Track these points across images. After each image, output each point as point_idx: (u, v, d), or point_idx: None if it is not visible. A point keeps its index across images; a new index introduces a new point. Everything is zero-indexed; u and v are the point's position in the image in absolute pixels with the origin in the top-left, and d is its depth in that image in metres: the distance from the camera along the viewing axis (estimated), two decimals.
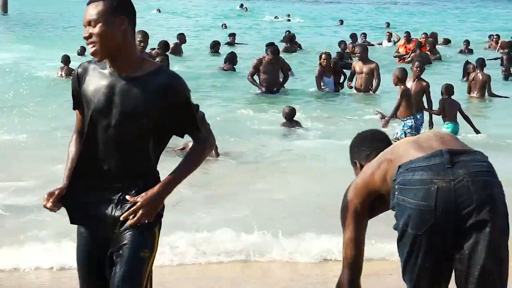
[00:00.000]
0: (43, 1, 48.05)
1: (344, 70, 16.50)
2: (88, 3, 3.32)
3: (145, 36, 10.18)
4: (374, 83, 15.72)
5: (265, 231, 6.55)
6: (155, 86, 3.30)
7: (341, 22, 39.62)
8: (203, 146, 3.44)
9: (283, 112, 12.24)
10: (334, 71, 16.02)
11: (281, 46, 22.13)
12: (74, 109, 3.53)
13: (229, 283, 5.91)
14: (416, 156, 3.47)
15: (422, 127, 11.33)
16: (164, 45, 14.91)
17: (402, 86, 10.96)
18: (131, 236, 3.30)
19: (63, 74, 16.52)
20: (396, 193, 3.46)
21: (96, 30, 3.28)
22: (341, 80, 16.17)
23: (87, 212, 3.40)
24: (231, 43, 26.17)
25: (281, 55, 16.65)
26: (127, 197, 3.32)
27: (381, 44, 27.74)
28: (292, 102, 13.80)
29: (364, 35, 27.62)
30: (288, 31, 27.79)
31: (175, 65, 16.82)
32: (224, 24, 35.29)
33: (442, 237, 3.40)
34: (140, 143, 3.34)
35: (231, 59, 18.90)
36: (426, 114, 11.94)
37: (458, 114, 12.06)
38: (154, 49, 14.52)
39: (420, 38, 24.18)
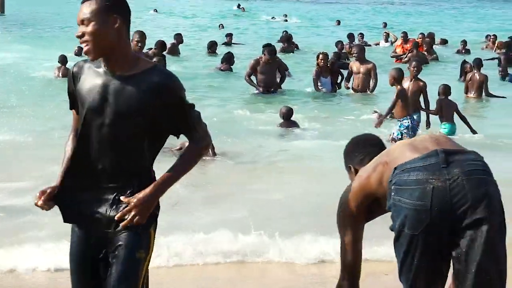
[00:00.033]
0: (40, 1, 48.03)
1: (341, 71, 16.50)
2: (82, 2, 3.30)
3: (142, 36, 10.19)
4: (371, 83, 15.72)
5: (262, 232, 6.53)
6: (149, 85, 3.28)
7: (338, 22, 39.68)
8: (199, 146, 3.41)
9: (280, 112, 12.24)
10: (331, 71, 16.00)
11: (278, 46, 22.15)
12: (70, 108, 3.52)
13: (226, 284, 5.90)
14: (412, 157, 3.48)
15: (419, 127, 11.34)
16: (161, 45, 14.92)
17: (398, 86, 10.96)
18: (126, 236, 3.29)
19: (60, 74, 16.50)
20: (393, 193, 3.47)
21: (89, 29, 3.26)
22: (338, 80, 16.14)
23: (81, 211, 3.38)
24: (228, 43, 26.16)
25: (278, 55, 16.67)
26: (121, 198, 3.30)
27: (378, 44, 27.74)
28: (289, 102, 13.79)
29: (361, 35, 27.63)
30: (285, 31, 27.82)
31: (172, 65, 16.80)
32: (221, 24, 35.27)
33: (438, 236, 3.41)
34: (135, 142, 3.31)
35: (228, 59, 18.89)
36: (423, 114, 11.96)
37: (455, 115, 12.07)
38: (151, 49, 14.51)
39: (417, 38, 24.18)
